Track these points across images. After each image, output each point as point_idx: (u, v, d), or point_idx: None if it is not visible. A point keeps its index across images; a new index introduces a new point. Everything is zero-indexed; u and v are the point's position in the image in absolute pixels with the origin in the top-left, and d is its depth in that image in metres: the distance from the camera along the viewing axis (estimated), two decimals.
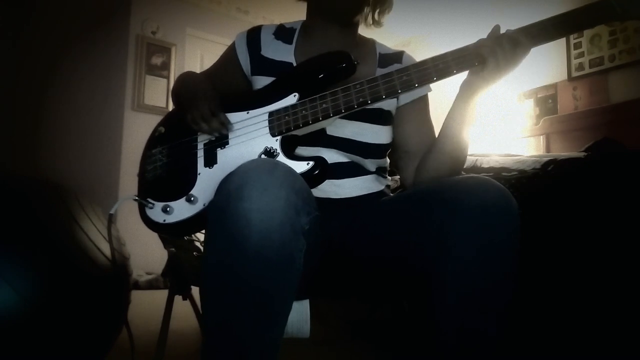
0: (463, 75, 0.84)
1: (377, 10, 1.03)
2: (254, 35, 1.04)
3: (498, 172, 1.41)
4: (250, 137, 0.87)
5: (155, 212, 0.89)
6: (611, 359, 1.10)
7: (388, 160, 1.05)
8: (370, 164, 0.98)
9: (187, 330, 1.77)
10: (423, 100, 1.02)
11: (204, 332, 0.67)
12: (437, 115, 1.05)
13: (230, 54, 1.06)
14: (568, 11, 0.77)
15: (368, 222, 0.87)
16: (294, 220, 0.64)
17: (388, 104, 0.98)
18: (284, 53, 1.01)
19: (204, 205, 0.85)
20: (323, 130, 0.93)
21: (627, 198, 1.18)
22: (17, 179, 1.15)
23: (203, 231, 0.82)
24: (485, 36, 0.80)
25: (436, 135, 0.95)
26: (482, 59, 0.78)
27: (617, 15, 0.74)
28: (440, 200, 0.72)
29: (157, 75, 3.94)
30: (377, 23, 1.04)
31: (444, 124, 0.90)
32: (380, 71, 0.98)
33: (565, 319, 1.15)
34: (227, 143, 0.89)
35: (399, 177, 1.82)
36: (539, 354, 1.18)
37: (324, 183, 0.85)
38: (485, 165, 1.51)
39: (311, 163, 0.81)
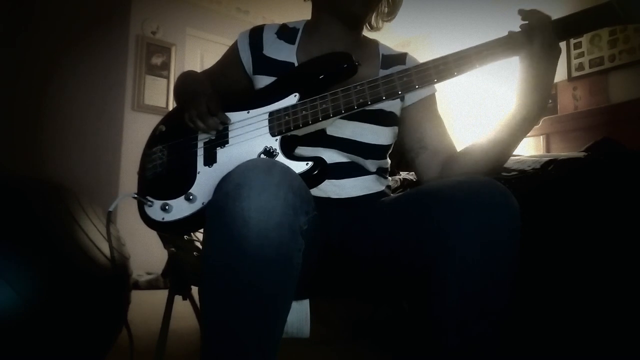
0: (464, 77, 0.83)
1: (383, 17, 1.04)
2: (256, 35, 1.04)
3: (498, 172, 1.41)
4: (250, 136, 0.87)
5: (154, 210, 0.89)
6: (611, 359, 1.10)
7: (389, 161, 1.05)
8: (371, 164, 0.98)
9: (187, 330, 1.77)
10: (432, 99, 1.02)
11: (204, 332, 0.67)
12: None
13: (232, 53, 1.06)
14: (570, 14, 0.74)
15: (368, 222, 0.87)
16: (292, 219, 0.64)
17: (390, 105, 0.98)
18: (286, 53, 1.01)
19: (202, 204, 0.85)
20: (323, 131, 0.93)
21: (627, 198, 1.18)
22: (17, 179, 1.15)
23: (202, 230, 0.82)
24: (485, 37, 0.80)
25: (448, 132, 0.97)
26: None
27: (619, 19, 0.72)
28: (440, 200, 0.72)
29: (157, 75, 3.95)
30: (375, 28, 1.05)
31: (496, 129, 0.83)
32: (383, 72, 0.98)
33: (565, 318, 1.15)
34: (227, 142, 0.89)
35: (398, 177, 1.83)
36: (539, 354, 1.18)
37: (324, 183, 0.85)
38: None
39: (310, 163, 0.81)
